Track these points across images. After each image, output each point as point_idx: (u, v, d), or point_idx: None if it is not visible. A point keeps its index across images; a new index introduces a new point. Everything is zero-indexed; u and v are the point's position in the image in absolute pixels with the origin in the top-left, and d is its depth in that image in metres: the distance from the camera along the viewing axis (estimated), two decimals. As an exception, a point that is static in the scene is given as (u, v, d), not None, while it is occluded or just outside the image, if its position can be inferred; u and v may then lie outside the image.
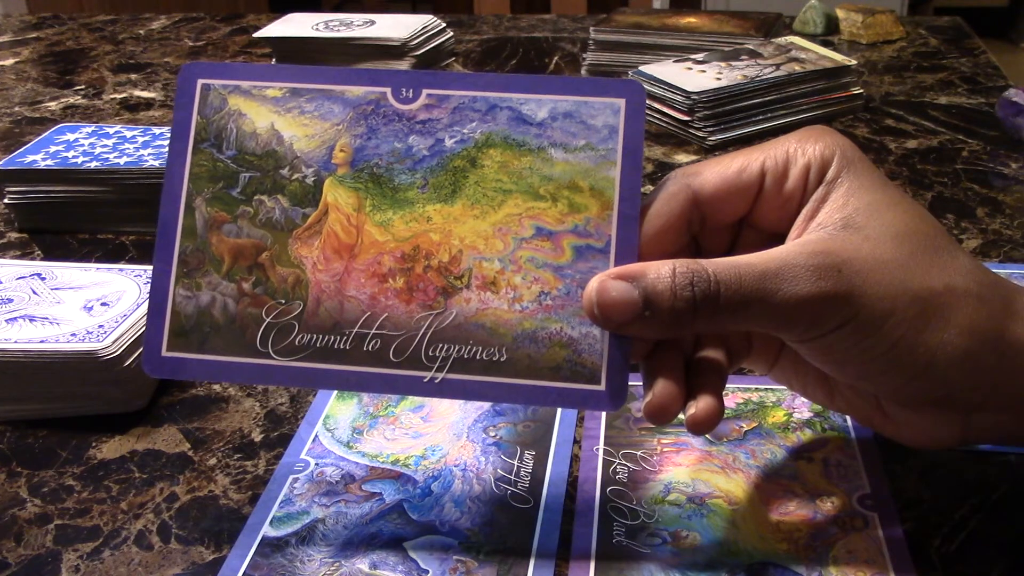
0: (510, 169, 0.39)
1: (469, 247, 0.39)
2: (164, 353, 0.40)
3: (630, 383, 0.39)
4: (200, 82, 0.41)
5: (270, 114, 0.41)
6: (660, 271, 0.36)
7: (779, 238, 0.39)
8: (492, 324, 0.38)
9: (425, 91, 0.40)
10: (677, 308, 0.36)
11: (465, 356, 0.38)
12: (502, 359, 0.38)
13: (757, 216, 0.40)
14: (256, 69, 0.42)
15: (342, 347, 0.39)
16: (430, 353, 0.39)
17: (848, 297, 0.35)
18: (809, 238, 0.37)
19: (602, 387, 0.38)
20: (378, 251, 0.39)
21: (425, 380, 0.39)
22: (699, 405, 0.37)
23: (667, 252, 0.39)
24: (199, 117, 0.41)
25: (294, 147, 0.41)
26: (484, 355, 0.38)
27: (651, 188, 0.76)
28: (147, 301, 0.52)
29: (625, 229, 0.38)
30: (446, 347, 0.39)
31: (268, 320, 0.40)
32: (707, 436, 0.46)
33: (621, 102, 0.39)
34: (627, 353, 0.38)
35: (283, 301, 0.40)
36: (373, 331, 0.39)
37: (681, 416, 0.38)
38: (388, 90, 0.41)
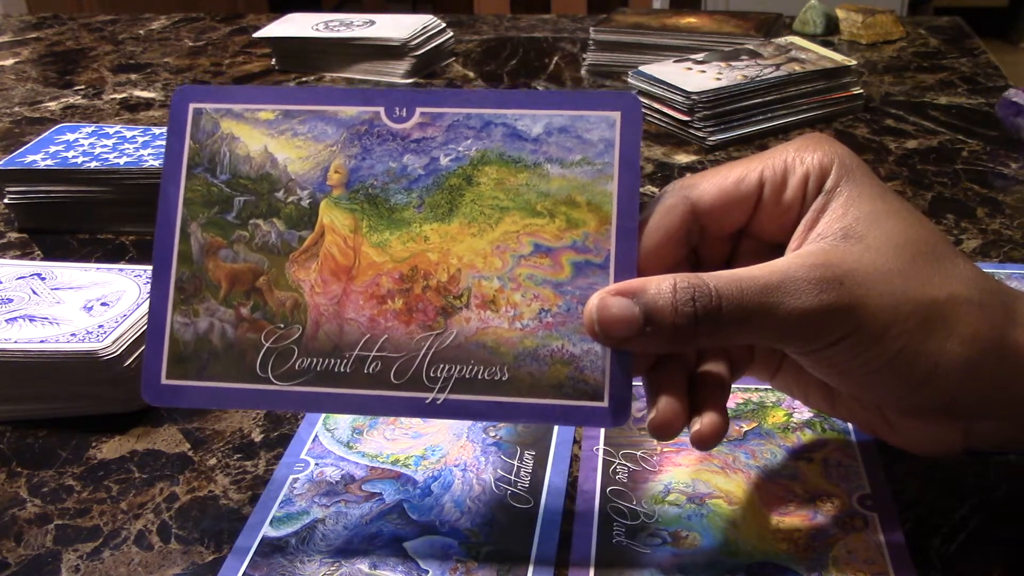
0: (506, 186, 0.39)
1: (467, 266, 0.39)
2: (164, 381, 0.40)
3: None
4: (192, 106, 0.41)
5: (263, 137, 0.41)
6: (660, 287, 0.36)
7: (779, 247, 0.39)
8: (493, 343, 0.38)
9: (419, 109, 0.40)
10: (678, 324, 0.35)
11: (466, 376, 0.38)
12: (504, 378, 0.38)
13: (756, 226, 0.40)
14: (248, 92, 0.41)
15: (342, 370, 0.39)
16: (431, 374, 0.38)
17: (850, 309, 0.35)
18: (810, 249, 0.37)
19: (605, 404, 0.37)
20: (376, 272, 0.39)
21: (427, 401, 0.38)
22: (703, 421, 0.37)
23: (666, 265, 0.39)
24: (192, 142, 0.41)
25: (288, 169, 0.40)
26: (486, 374, 0.38)
27: (651, 188, 0.76)
28: (147, 300, 0.52)
29: (624, 243, 0.38)
30: (447, 367, 0.38)
31: (267, 345, 0.39)
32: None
33: (616, 115, 0.39)
34: (629, 369, 0.37)
35: (282, 325, 0.39)
36: (373, 353, 0.39)
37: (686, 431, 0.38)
38: (381, 109, 0.40)
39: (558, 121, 0.39)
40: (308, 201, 0.40)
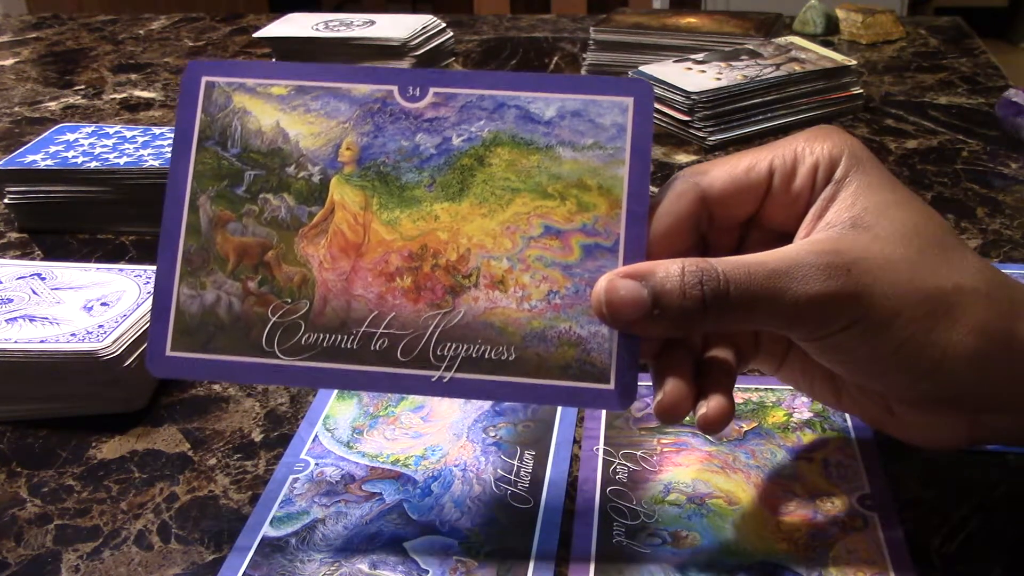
0: (518, 167, 0.39)
1: (477, 246, 0.39)
2: (168, 353, 0.40)
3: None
4: (204, 80, 0.41)
5: (275, 112, 0.41)
6: (669, 269, 0.36)
7: (787, 237, 0.39)
8: (501, 323, 0.38)
9: (432, 89, 0.40)
10: (686, 307, 0.35)
11: (473, 355, 0.38)
12: (511, 358, 0.38)
13: (765, 215, 0.40)
14: (261, 67, 0.41)
15: (349, 346, 0.39)
16: (438, 352, 0.38)
17: (857, 296, 0.35)
18: (818, 237, 0.37)
19: (611, 386, 0.38)
20: (385, 250, 0.39)
21: (433, 379, 0.38)
22: (710, 405, 0.37)
23: (675, 251, 0.39)
24: (203, 115, 0.41)
25: (300, 145, 0.40)
26: (492, 354, 0.38)
27: (651, 188, 0.76)
28: (147, 300, 0.52)
29: (634, 228, 0.38)
30: (454, 346, 0.38)
31: (274, 319, 0.39)
32: (707, 436, 0.46)
33: (629, 100, 0.39)
34: (636, 352, 0.38)
35: (289, 300, 0.39)
36: (380, 330, 0.39)
37: (691, 416, 0.38)
38: (395, 88, 0.40)
39: (571, 105, 0.39)
40: (319, 177, 0.40)
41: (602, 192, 0.39)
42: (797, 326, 0.36)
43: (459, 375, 0.38)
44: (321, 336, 0.39)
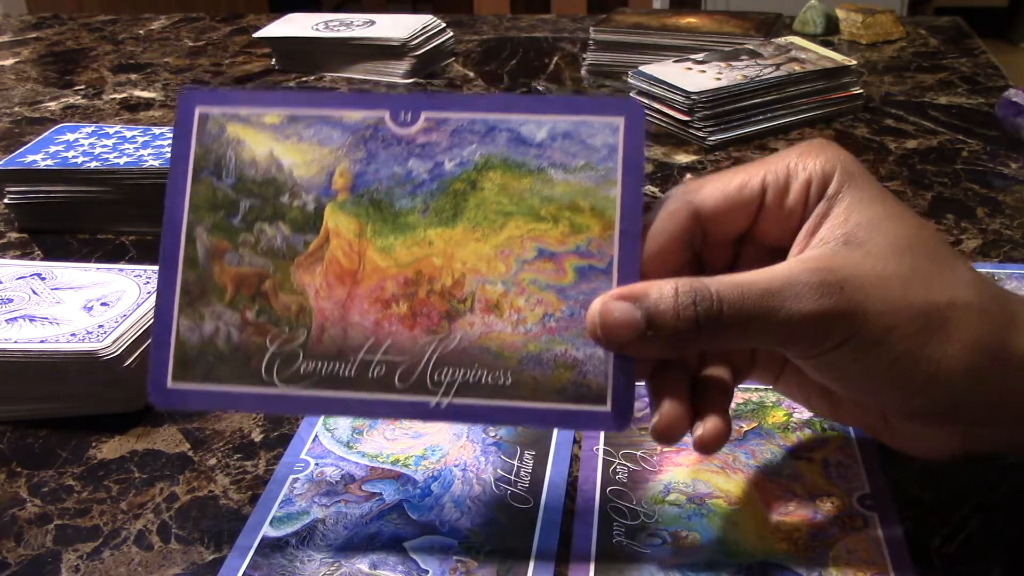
0: (510, 191, 0.39)
1: (471, 270, 0.39)
2: (170, 385, 0.40)
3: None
4: (198, 110, 0.41)
5: (269, 141, 0.41)
6: (662, 290, 0.36)
7: (781, 253, 0.39)
8: (497, 347, 0.38)
9: (424, 114, 0.40)
10: (680, 327, 0.35)
11: (470, 380, 0.38)
12: (507, 382, 0.38)
13: (759, 231, 0.40)
14: (254, 96, 0.41)
15: (347, 374, 0.39)
16: (435, 378, 0.38)
17: (850, 314, 0.35)
18: (811, 254, 0.37)
19: (608, 408, 0.38)
20: (380, 277, 0.39)
21: (431, 405, 0.38)
22: (706, 426, 0.37)
23: (669, 270, 0.38)
24: (197, 146, 0.41)
25: (293, 174, 0.40)
26: (489, 379, 0.38)
27: (650, 188, 0.76)
28: (148, 299, 0.52)
29: (627, 249, 0.38)
30: (451, 371, 0.38)
31: (272, 349, 0.39)
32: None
33: (620, 120, 0.39)
34: (631, 373, 0.37)
35: (287, 329, 0.39)
36: (378, 357, 0.39)
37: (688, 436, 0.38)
38: (386, 114, 0.40)
39: (562, 126, 0.39)
40: (313, 206, 0.40)
41: (595, 213, 0.38)
42: (791, 344, 0.36)
43: (456, 400, 0.38)
44: (319, 364, 0.39)
